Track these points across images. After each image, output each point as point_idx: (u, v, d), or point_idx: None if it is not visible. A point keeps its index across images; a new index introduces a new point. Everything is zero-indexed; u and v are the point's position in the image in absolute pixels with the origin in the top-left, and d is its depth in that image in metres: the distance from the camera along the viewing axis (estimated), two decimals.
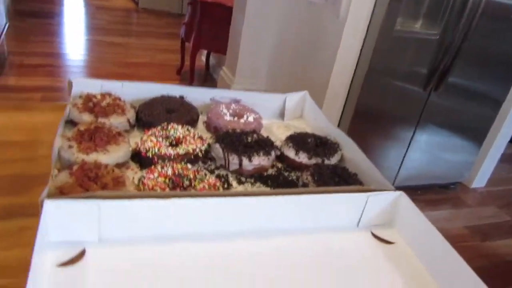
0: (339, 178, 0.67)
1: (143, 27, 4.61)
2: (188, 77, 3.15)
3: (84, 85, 0.78)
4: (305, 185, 0.67)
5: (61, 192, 0.53)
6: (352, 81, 2.02)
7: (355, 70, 2.00)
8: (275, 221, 0.58)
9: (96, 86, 0.79)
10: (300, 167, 0.74)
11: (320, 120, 0.86)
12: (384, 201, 0.61)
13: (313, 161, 0.73)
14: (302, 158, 0.74)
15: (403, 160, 2.27)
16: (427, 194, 2.41)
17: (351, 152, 0.76)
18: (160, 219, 0.53)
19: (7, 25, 2.88)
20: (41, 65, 3.16)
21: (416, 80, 2.00)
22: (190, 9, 3.05)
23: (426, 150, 2.25)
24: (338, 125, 2.10)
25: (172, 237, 0.53)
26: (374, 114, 2.07)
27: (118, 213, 0.51)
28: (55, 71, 3.12)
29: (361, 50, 1.94)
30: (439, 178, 2.42)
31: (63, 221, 0.49)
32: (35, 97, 2.72)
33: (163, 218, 0.53)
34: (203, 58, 3.72)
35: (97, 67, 3.34)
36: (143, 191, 0.58)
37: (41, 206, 0.47)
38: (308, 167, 0.72)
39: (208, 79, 3.54)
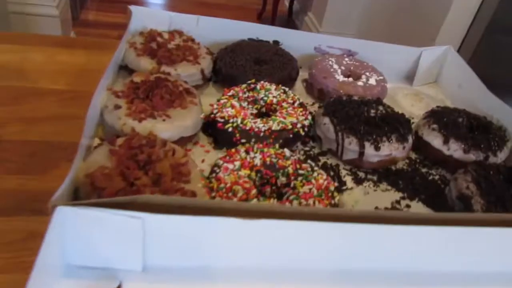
0: None
1: None
2: (269, 23, 2.87)
3: (149, 18, 0.58)
4: (464, 197, 0.42)
5: (92, 184, 0.34)
6: (463, 41, 1.65)
7: (469, 27, 1.62)
8: (445, 263, 0.35)
9: (164, 20, 0.58)
10: (447, 162, 0.49)
11: (471, 89, 0.59)
12: None
13: (472, 156, 0.48)
14: (454, 149, 0.48)
15: None
16: None
17: None
18: (243, 245, 0.32)
19: None
20: (121, 0, 3.03)
21: None
22: None
23: None
24: None
25: (263, 273, 0.33)
26: (486, 80, 1.70)
27: (174, 232, 0.30)
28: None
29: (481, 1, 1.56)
30: None
31: (85, 238, 0.30)
32: (112, 34, 2.61)
33: (248, 244, 0.32)
34: (287, 3, 3.39)
35: (174, 5, 3.16)
36: (216, 197, 0.37)
37: (51, 212, 0.28)
38: (462, 165, 0.47)
39: (290, 27, 3.24)
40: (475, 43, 1.60)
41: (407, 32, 1.87)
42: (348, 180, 0.46)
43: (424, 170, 0.50)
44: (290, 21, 3.29)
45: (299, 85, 0.61)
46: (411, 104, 0.61)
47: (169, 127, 0.42)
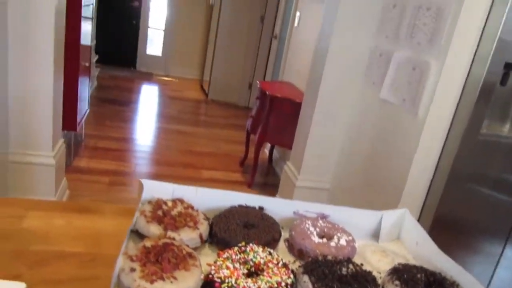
0: None
1: (210, 117, 4.77)
2: (251, 169, 3.10)
3: (155, 189, 0.70)
4: None
5: None
6: (430, 186, 1.84)
7: (434, 174, 1.82)
8: None
9: (167, 191, 0.71)
10: None
11: (426, 248, 0.71)
12: None
13: None
14: None
15: (491, 279, 1.96)
16: None
17: None
18: None
19: (88, 111, 3.06)
20: (112, 148, 3.27)
21: (506, 188, 1.78)
22: (258, 103, 3.09)
23: None
24: None
25: None
26: (456, 224, 1.84)
27: None
28: (124, 155, 3.21)
29: (441, 151, 1.78)
30: None
31: None
32: (103, 180, 2.77)
33: None
34: (267, 151, 3.69)
35: (162, 153, 3.41)
36: None
37: None
38: None
39: (270, 173, 3.47)
40: (441, 188, 1.78)
41: (379, 180, 2.05)
42: None
43: None
44: (270, 168, 3.54)
45: (281, 244, 0.72)
46: (378, 259, 0.71)
47: (175, 287, 0.51)
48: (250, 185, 3.06)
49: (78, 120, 2.66)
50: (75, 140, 3.03)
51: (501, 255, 1.90)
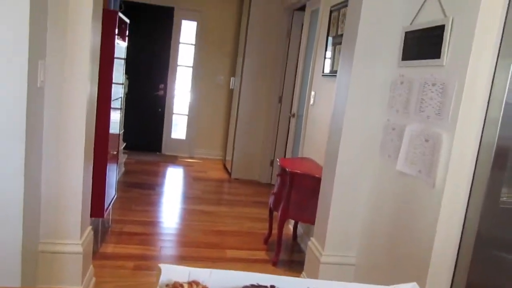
0: None
1: (234, 196, 4.84)
2: (275, 246, 3.08)
3: (172, 273, 0.75)
4: None
5: None
6: (457, 257, 1.80)
7: (459, 245, 1.79)
8: None
9: (184, 274, 0.75)
10: None
11: None
12: None
13: None
14: None
15: None
16: None
17: None
18: None
19: (115, 196, 3.18)
20: (137, 233, 3.33)
21: None
22: (279, 179, 3.16)
23: None
24: None
25: None
26: None
27: None
28: (149, 239, 3.26)
29: (464, 221, 1.77)
30: None
31: None
32: (128, 265, 2.80)
33: None
34: (291, 227, 3.68)
35: (187, 234, 3.44)
36: None
37: None
38: None
39: (295, 250, 3.43)
40: (469, 256, 1.74)
41: (404, 252, 2.02)
42: None
43: None
44: (295, 245, 3.51)
45: None
46: None
47: None
48: (275, 263, 3.02)
49: (105, 206, 2.77)
50: (102, 226, 3.12)
51: None
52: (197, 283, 0.74)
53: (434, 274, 1.81)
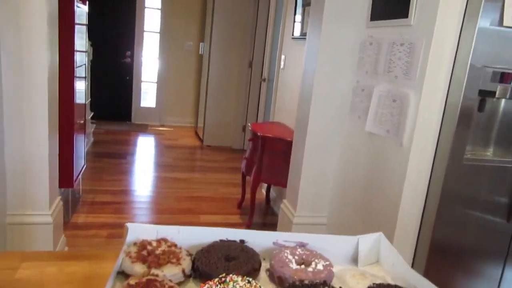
0: None
1: (207, 162, 4.83)
2: (249, 210, 3.12)
3: (140, 232, 0.74)
4: None
5: None
6: (423, 212, 1.87)
7: (425, 200, 1.86)
8: None
9: (152, 233, 0.75)
10: None
11: (401, 267, 0.74)
12: None
13: None
14: None
15: None
16: None
17: None
18: None
19: (84, 167, 3.11)
20: (110, 202, 3.30)
21: (497, 210, 1.81)
22: (251, 144, 3.16)
23: None
24: (413, 264, 1.89)
25: None
26: (453, 247, 1.85)
27: None
28: (122, 208, 3.23)
29: (430, 178, 1.82)
30: None
31: None
32: (101, 234, 2.78)
33: None
34: (264, 191, 3.72)
35: (160, 202, 3.44)
36: None
37: None
38: None
39: (268, 213, 3.49)
40: (433, 213, 1.80)
41: (373, 210, 2.08)
42: None
43: None
44: (268, 208, 3.56)
45: (263, 274, 0.75)
46: (356, 282, 0.74)
47: None
48: (249, 226, 3.07)
49: (74, 177, 2.71)
50: (72, 197, 3.07)
51: (501, 277, 1.90)
52: (165, 241, 0.73)
53: (402, 230, 1.87)
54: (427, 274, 1.88)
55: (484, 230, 1.82)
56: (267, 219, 3.37)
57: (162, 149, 5.16)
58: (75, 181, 2.76)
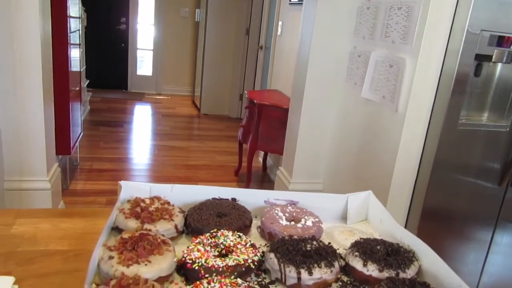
0: None
1: (204, 131, 4.83)
2: (246, 178, 3.15)
3: (134, 189, 0.76)
4: None
5: None
6: (417, 178, 1.89)
7: (419, 166, 1.88)
8: None
9: (145, 190, 0.76)
10: (369, 281, 0.63)
11: (388, 224, 0.76)
12: None
13: (385, 274, 0.62)
14: (372, 270, 0.62)
15: (484, 265, 2.00)
16: None
17: (430, 262, 0.64)
18: None
19: (81, 134, 3.12)
20: (107, 169, 3.32)
21: (489, 175, 1.83)
22: (247, 112, 3.16)
23: (510, 253, 1.98)
24: (405, 227, 1.93)
25: None
26: (445, 213, 1.88)
27: None
28: (120, 175, 3.26)
29: (424, 144, 1.84)
30: None
31: None
32: (100, 200, 2.82)
33: None
34: (260, 159, 3.75)
35: (158, 169, 3.46)
36: None
37: None
38: (379, 281, 0.60)
39: (265, 180, 3.52)
40: (427, 178, 1.83)
41: (368, 176, 2.11)
42: None
43: None
44: (265, 175, 3.59)
45: (254, 231, 0.77)
46: (345, 238, 0.76)
47: (149, 269, 0.56)
48: None
49: (71, 144, 2.72)
50: (70, 164, 3.08)
51: (491, 241, 1.95)
52: (158, 198, 0.75)
53: (395, 195, 1.90)
54: (419, 237, 1.93)
55: (476, 194, 1.85)
56: (264, 186, 3.41)
57: (159, 117, 5.15)
58: (72, 148, 2.77)
